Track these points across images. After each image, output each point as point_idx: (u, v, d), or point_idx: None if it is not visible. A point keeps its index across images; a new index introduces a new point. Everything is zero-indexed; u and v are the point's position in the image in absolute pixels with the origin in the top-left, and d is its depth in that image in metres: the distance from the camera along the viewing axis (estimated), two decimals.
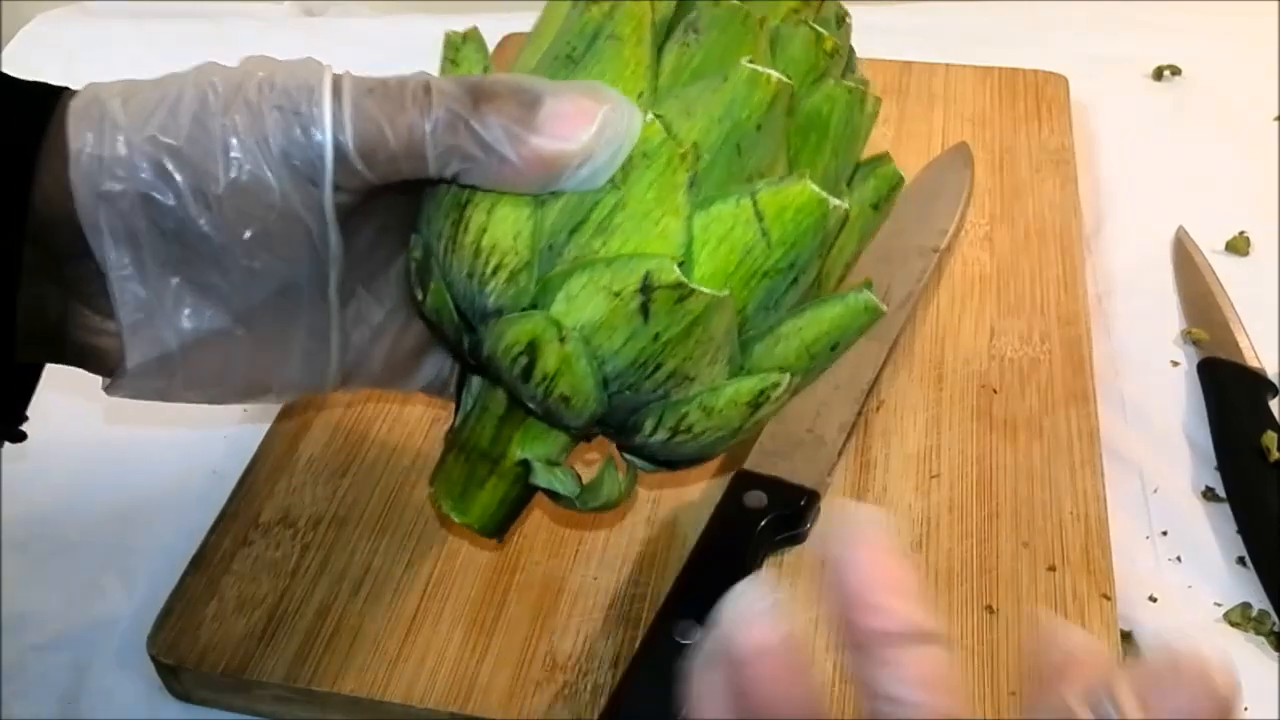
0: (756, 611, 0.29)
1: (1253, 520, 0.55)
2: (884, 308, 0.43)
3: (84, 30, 0.91)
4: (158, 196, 0.37)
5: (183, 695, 0.50)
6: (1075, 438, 0.56)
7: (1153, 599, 0.52)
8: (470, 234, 0.40)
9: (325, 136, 0.38)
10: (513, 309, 0.40)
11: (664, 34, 0.42)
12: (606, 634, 0.49)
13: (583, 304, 0.39)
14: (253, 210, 0.38)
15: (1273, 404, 0.59)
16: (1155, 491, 0.57)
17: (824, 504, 0.53)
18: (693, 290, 0.38)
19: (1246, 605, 0.52)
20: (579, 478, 0.45)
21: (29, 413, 0.42)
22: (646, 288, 0.38)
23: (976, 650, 0.48)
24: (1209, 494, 0.57)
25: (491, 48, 0.46)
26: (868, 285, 0.43)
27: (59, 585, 0.54)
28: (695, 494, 0.54)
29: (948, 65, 0.80)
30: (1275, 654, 0.50)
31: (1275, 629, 0.51)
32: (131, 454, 0.59)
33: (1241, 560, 0.54)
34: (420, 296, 0.43)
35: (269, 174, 0.38)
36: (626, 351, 0.39)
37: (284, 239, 0.39)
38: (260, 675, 0.48)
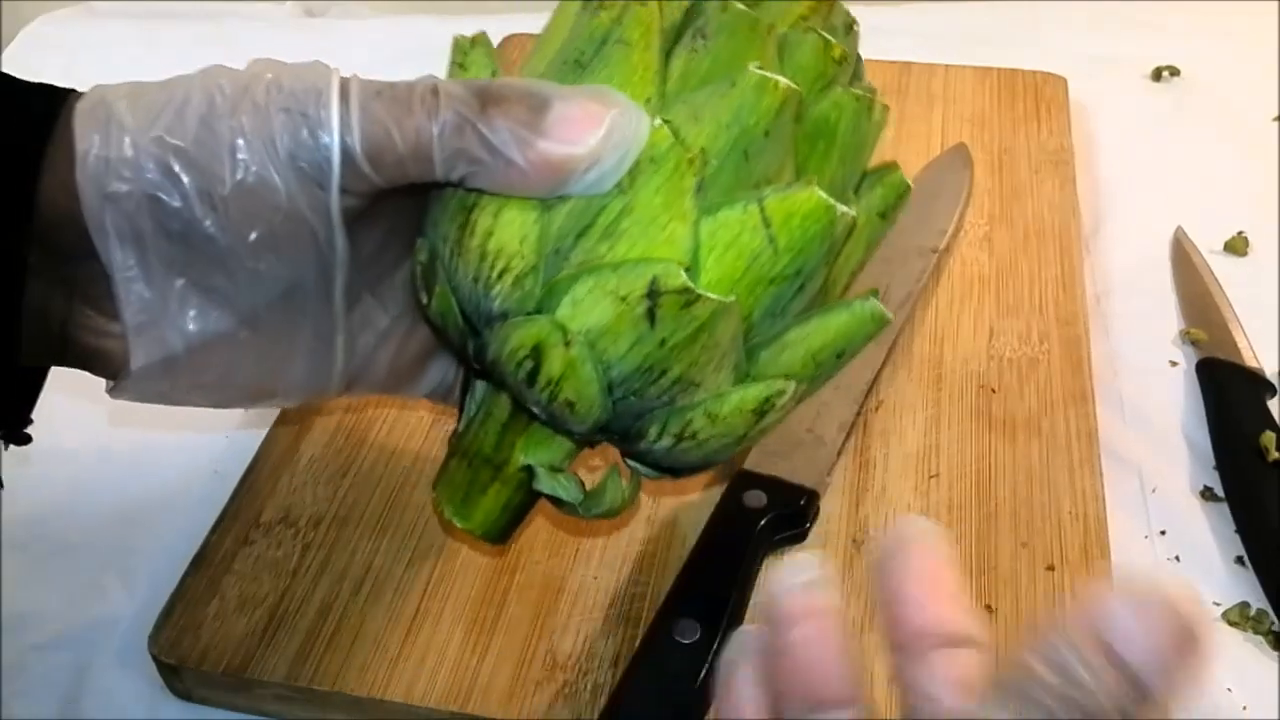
0: (804, 579, 0.30)
1: (1251, 520, 0.55)
2: (890, 316, 0.43)
3: (85, 31, 0.91)
4: (164, 197, 0.37)
5: (184, 694, 0.50)
6: (1074, 437, 0.56)
7: None
8: (476, 237, 0.40)
9: (332, 139, 0.38)
10: (518, 313, 0.40)
11: (672, 40, 0.42)
12: (606, 633, 0.49)
13: (588, 308, 0.39)
14: (259, 212, 0.38)
15: (1271, 404, 0.59)
16: (1154, 491, 0.57)
17: (823, 503, 0.53)
18: (699, 296, 0.38)
19: (1245, 605, 0.52)
20: (582, 484, 0.45)
21: (33, 415, 0.42)
22: (653, 293, 0.38)
23: None
24: (1207, 494, 0.57)
25: None
26: (874, 293, 0.43)
27: (60, 585, 0.54)
28: (695, 494, 0.54)
29: (947, 66, 0.80)
30: (1274, 653, 0.50)
31: (1274, 628, 0.51)
32: (133, 455, 0.59)
33: (1240, 560, 0.54)
34: (425, 300, 0.43)
35: (275, 176, 0.38)
36: (632, 357, 0.39)
37: (290, 241, 0.39)
38: (261, 674, 0.48)
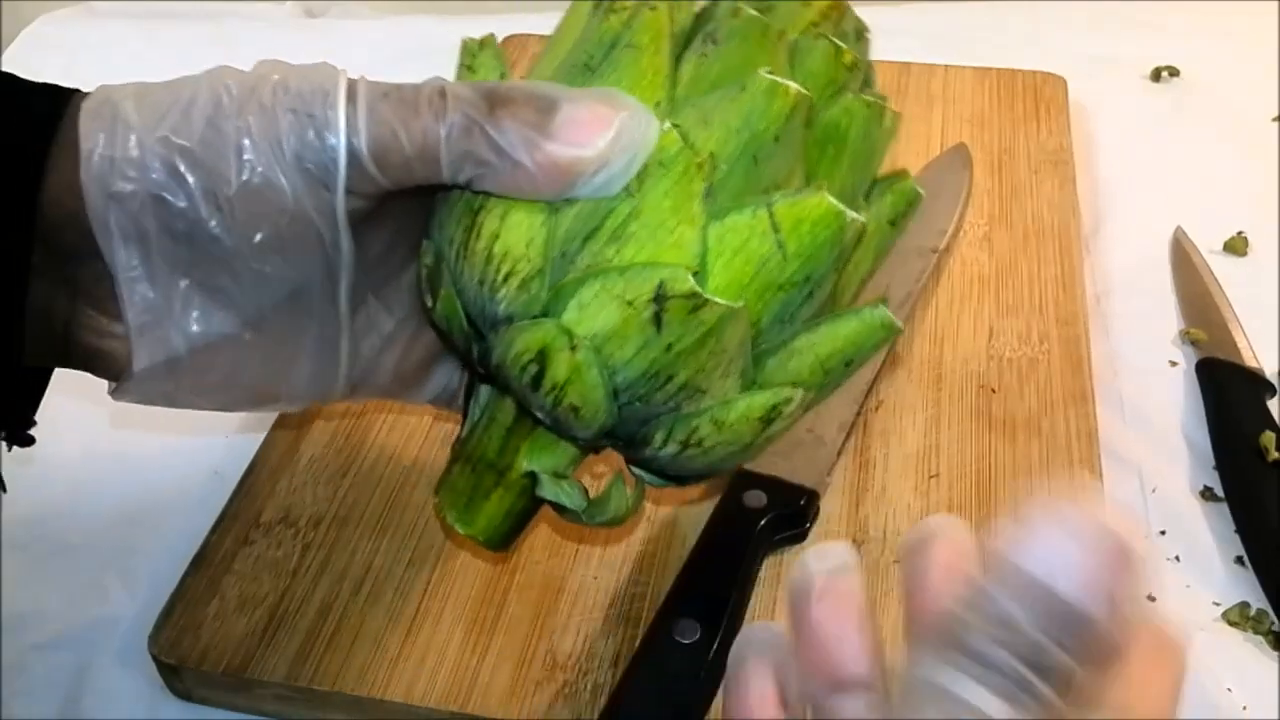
0: (830, 564, 0.30)
1: (1251, 520, 0.55)
2: (900, 324, 0.42)
3: (85, 31, 0.91)
4: (169, 197, 0.37)
5: (184, 694, 0.50)
6: (1074, 437, 0.56)
7: (1151, 598, 0.52)
8: (482, 240, 0.39)
9: (339, 140, 0.37)
10: (523, 316, 0.39)
11: (682, 44, 0.41)
12: (606, 633, 0.49)
13: (595, 312, 0.38)
14: (264, 213, 0.38)
15: (1271, 404, 0.59)
16: (1154, 491, 0.57)
17: (823, 503, 0.53)
18: (707, 301, 0.38)
19: (1245, 604, 0.52)
20: (586, 491, 0.44)
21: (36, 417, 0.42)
22: (660, 297, 0.38)
23: None
24: (1207, 494, 0.57)
25: None
26: (883, 301, 0.42)
27: (61, 585, 0.54)
28: (695, 494, 0.54)
29: (946, 66, 0.80)
30: (1274, 653, 0.50)
31: (1273, 628, 0.51)
32: (134, 456, 0.59)
33: (1240, 560, 0.54)
34: (430, 303, 0.42)
35: (281, 177, 0.37)
36: (638, 362, 0.39)
37: (295, 243, 0.39)
38: (261, 674, 0.48)
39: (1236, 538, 0.55)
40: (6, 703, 0.49)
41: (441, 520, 0.45)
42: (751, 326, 0.40)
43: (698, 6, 0.43)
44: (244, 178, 0.37)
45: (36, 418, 0.42)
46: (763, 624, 0.31)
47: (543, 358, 0.39)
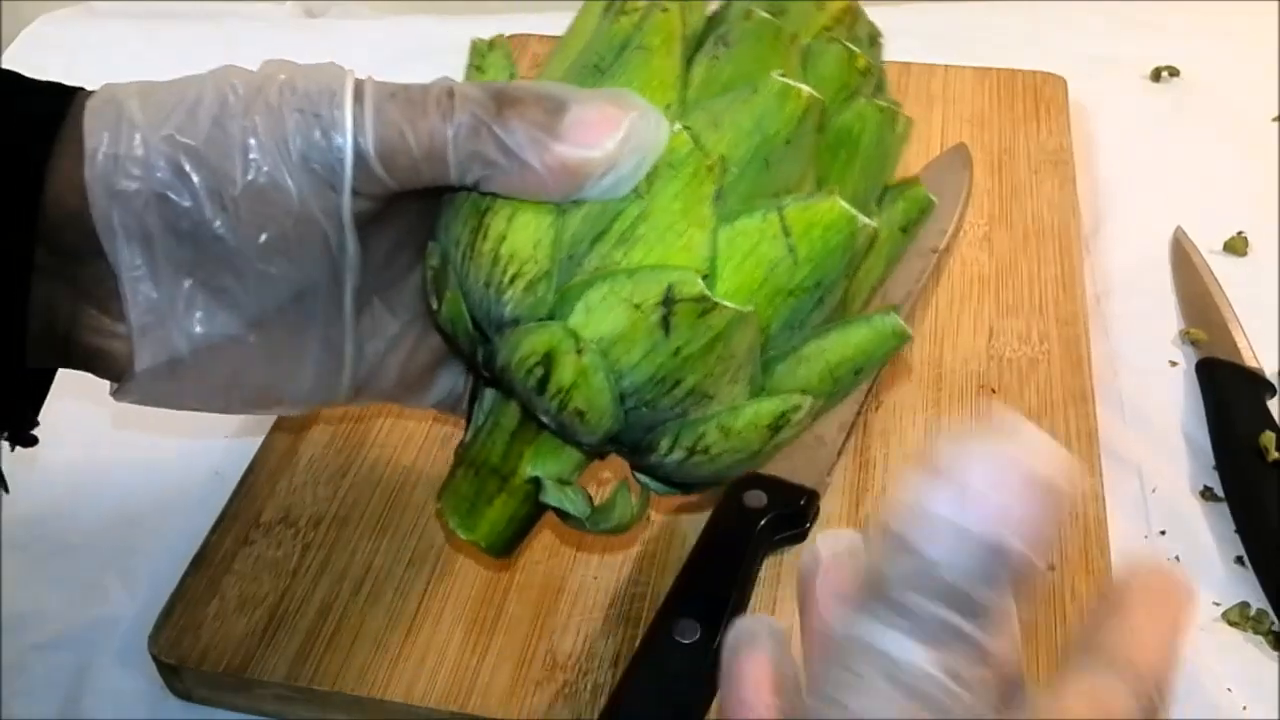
0: (839, 542, 0.30)
1: (1251, 520, 0.55)
2: (910, 331, 0.42)
3: (85, 31, 0.91)
4: (173, 196, 0.37)
5: (184, 694, 0.50)
6: (1074, 437, 0.56)
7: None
8: (489, 242, 0.39)
9: (345, 140, 0.37)
10: (530, 319, 0.39)
11: (694, 47, 0.41)
12: (606, 633, 0.49)
13: (602, 316, 0.38)
14: (269, 213, 0.38)
15: (1271, 404, 0.59)
16: (1154, 491, 0.57)
17: (823, 503, 0.53)
18: (716, 304, 0.37)
19: (1245, 605, 0.52)
20: (590, 498, 0.44)
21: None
22: (668, 300, 0.37)
23: None
24: (1207, 494, 0.57)
25: None
26: (894, 309, 0.42)
27: (61, 585, 0.54)
28: (695, 495, 0.54)
29: (946, 66, 0.80)
30: (1274, 653, 0.51)
31: (1274, 628, 0.51)
32: (134, 457, 0.59)
33: (1240, 560, 0.54)
34: (435, 305, 0.42)
35: (287, 177, 0.37)
36: (645, 366, 0.38)
37: (300, 244, 0.39)
38: (261, 674, 0.48)
39: (1236, 538, 0.55)
40: (6, 703, 0.49)
41: (444, 526, 0.44)
42: (761, 332, 0.39)
43: (710, 8, 0.43)
44: (249, 177, 0.37)
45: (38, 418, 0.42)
46: (756, 616, 0.31)
47: (548, 361, 0.39)
